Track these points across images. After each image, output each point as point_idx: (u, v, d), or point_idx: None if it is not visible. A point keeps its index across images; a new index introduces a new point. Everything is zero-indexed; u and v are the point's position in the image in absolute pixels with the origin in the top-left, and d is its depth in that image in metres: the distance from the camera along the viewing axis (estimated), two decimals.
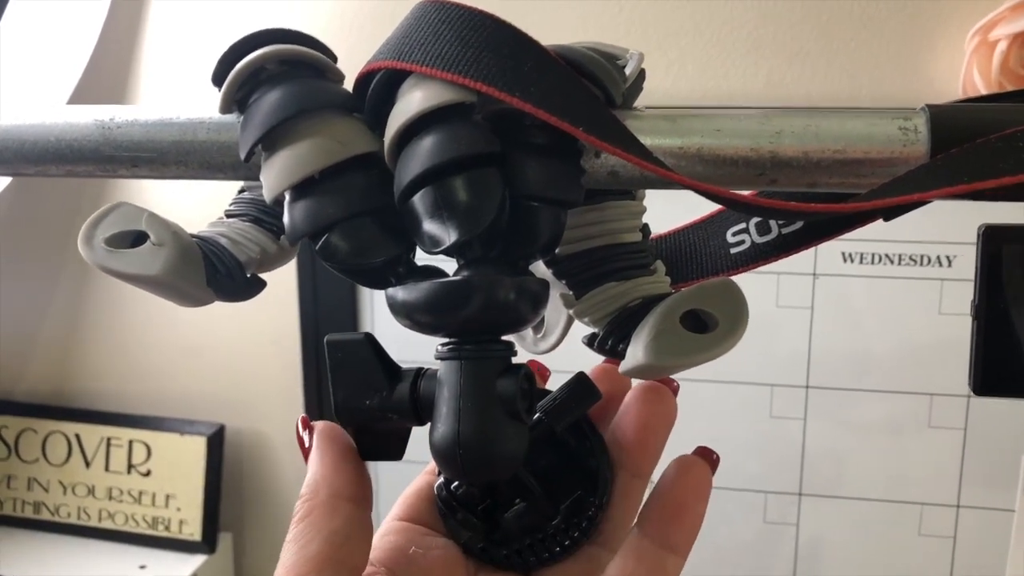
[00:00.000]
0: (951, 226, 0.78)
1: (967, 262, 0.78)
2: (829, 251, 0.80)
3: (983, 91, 0.71)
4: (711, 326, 0.33)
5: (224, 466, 0.97)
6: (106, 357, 1.02)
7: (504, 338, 0.32)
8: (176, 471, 0.96)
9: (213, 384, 0.99)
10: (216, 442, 0.95)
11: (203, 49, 0.90)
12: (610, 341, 0.36)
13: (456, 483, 0.37)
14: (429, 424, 0.32)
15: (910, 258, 0.79)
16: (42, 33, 0.89)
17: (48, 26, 0.89)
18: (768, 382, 0.84)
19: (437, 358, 0.32)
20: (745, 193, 0.33)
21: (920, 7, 0.75)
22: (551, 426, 0.36)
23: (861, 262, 0.80)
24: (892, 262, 0.79)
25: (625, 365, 0.34)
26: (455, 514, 0.36)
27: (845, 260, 0.80)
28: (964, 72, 0.73)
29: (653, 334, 0.33)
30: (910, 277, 0.79)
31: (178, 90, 0.92)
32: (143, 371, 1.01)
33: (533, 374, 0.33)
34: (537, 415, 0.36)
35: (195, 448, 0.95)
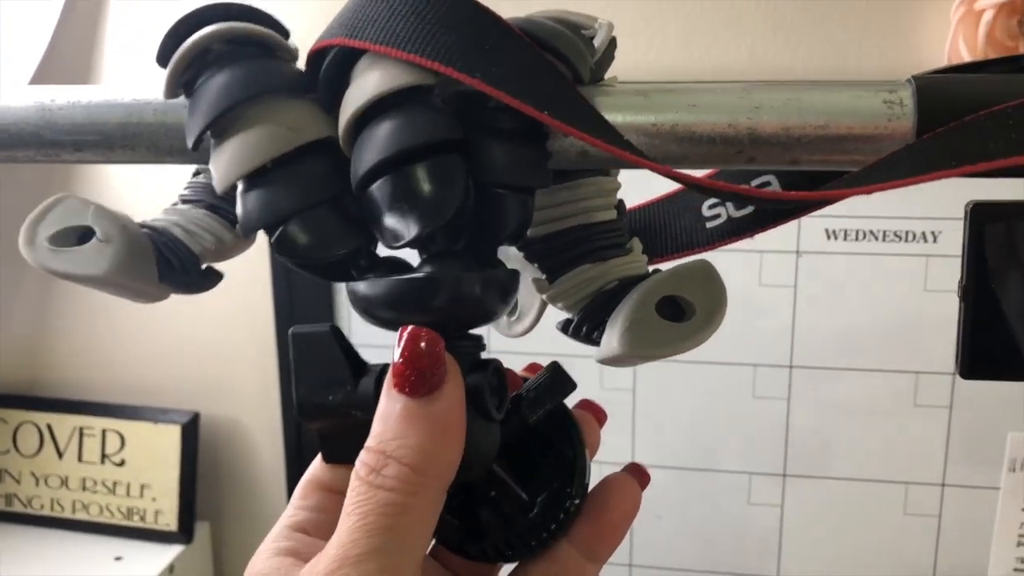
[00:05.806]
0: (936, 201, 0.77)
1: (953, 238, 0.77)
2: (812, 228, 0.79)
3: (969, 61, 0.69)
4: (688, 313, 0.32)
5: (200, 454, 0.95)
6: (77, 345, 1.00)
7: (473, 332, 0.31)
8: (151, 460, 0.94)
9: (187, 371, 0.97)
10: (191, 430, 0.94)
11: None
12: (584, 328, 0.34)
13: None
14: None
15: (895, 234, 0.77)
16: None
17: (5, 6, 0.86)
18: (751, 362, 0.83)
19: None
20: (699, 174, 0.31)
21: None
22: (525, 418, 0.34)
23: (845, 239, 0.78)
24: (876, 238, 0.78)
25: (600, 354, 0.33)
26: None
27: (829, 237, 0.79)
28: (950, 42, 0.72)
29: (628, 323, 0.31)
30: (895, 254, 0.78)
31: (145, 72, 0.89)
32: (115, 359, 0.99)
33: (503, 369, 0.31)
34: (510, 406, 0.34)
35: (170, 437, 0.93)
